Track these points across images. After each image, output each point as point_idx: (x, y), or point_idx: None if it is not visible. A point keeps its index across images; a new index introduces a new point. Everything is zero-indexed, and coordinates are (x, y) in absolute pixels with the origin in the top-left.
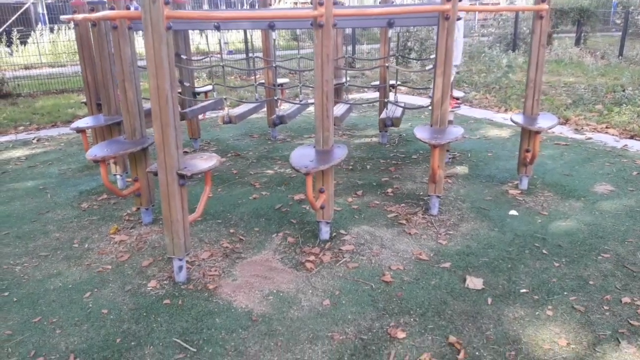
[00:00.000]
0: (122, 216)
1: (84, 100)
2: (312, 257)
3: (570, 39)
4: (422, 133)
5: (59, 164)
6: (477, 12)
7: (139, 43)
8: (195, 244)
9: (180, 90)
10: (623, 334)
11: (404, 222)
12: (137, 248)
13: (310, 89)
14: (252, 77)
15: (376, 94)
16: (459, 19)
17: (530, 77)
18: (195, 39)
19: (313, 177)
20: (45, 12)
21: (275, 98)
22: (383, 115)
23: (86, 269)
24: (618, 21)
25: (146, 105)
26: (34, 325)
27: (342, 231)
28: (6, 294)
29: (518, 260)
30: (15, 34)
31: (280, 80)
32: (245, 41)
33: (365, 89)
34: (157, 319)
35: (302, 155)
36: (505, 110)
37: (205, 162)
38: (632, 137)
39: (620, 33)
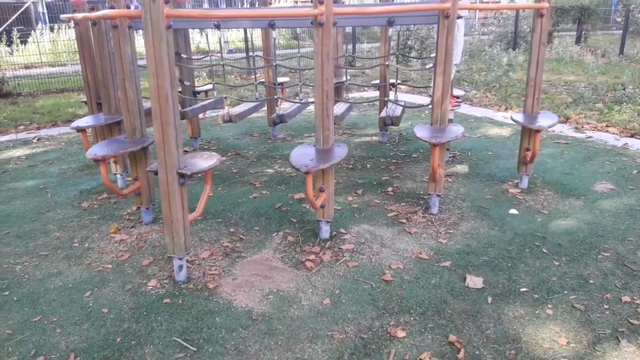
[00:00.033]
0: (122, 215)
1: (84, 99)
2: (312, 256)
3: (571, 37)
4: (422, 132)
5: (59, 163)
6: (477, 10)
7: (139, 42)
8: (195, 243)
9: (180, 89)
10: (623, 332)
11: (404, 221)
12: (138, 247)
13: (311, 87)
14: (253, 76)
15: (376, 93)
16: (459, 17)
17: (530, 75)
18: (196, 38)
19: (313, 176)
20: (45, 11)
21: (276, 97)
22: (383, 114)
23: (86, 268)
24: (619, 19)
25: (146, 104)
26: (34, 324)
27: (342, 230)
28: (6, 293)
29: (518, 259)
30: (15, 33)
31: (280, 79)
32: (246, 40)
33: (366, 88)
34: (157, 318)
35: (302, 154)
36: (506, 109)
37: (206, 161)
38: (632, 136)
39: (620, 31)
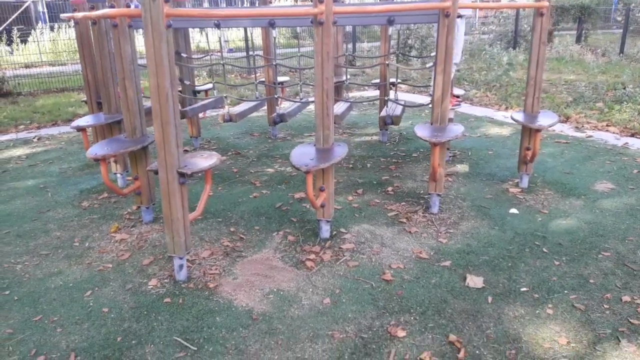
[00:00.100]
0: (122, 215)
1: (85, 98)
2: (312, 256)
3: (571, 36)
4: (422, 131)
5: (59, 162)
6: (477, 10)
7: (139, 41)
8: (195, 243)
9: (180, 89)
10: (623, 332)
11: (404, 220)
12: (138, 247)
13: (311, 87)
14: (253, 75)
15: (376, 92)
16: (459, 16)
17: (530, 74)
18: (196, 37)
19: (313, 176)
20: (45, 10)
21: (276, 96)
22: (383, 113)
23: (87, 268)
24: (619, 18)
25: (146, 103)
26: (34, 323)
27: (343, 230)
28: (7, 292)
29: (518, 258)
30: (15, 33)
31: (280, 79)
32: (246, 39)
33: (366, 87)
34: (157, 318)
35: (303, 154)
36: (506, 108)
37: (206, 160)
38: (632, 135)
39: (621, 30)
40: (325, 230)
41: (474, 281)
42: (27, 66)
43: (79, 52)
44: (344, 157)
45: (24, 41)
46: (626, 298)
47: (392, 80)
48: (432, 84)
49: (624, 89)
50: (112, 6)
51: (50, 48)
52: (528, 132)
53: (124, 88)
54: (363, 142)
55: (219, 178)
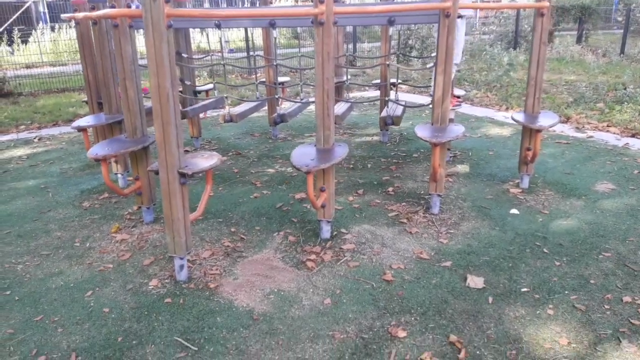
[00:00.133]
0: (123, 215)
1: (85, 99)
2: (313, 256)
3: (572, 36)
4: (423, 131)
5: (60, 162)
6: (478, 10)
7: (140, 41)
8: (196, 243)
9: (181, 89)
10: (624, 333)
11: (404, 221)
12: (139, 247)
13: (311, 87)
14: (253, 76)
15: (377, 93)
16: (460, 16)
17: (531, 75)
18: (196, 38)
19: (314, 176)
20: (46, 10)
21: (276, 97)
22: (384, 113)
23: (87, 268)
24: (620, 19)
25: (147, 103)
26: (35, 324)
27: (343, 230)
28: (8, 292)
29: (519, 259)
30: (16, 33)
31: (281, 79)
32: (246, 39)
33: (366, 88)
34: (158, 318)
35: (303, 154)
36: (507, 109)
37: (206, 160)
38: (633, 136)
39: (621, 31)
40: (326, 231)
41: (475, 281)
42: (28, 66)
43: (79, 53)
44: (345, 157)
45: (24, 41)
46: (627, 298)
47: (393, 80)
48: (432, 84)
49: (625, 89)
50: (112, 6)
51: (51, 48)
52: (529, 132)
53: (125, 88)
54: (363, 143)
55: (219, 178)
